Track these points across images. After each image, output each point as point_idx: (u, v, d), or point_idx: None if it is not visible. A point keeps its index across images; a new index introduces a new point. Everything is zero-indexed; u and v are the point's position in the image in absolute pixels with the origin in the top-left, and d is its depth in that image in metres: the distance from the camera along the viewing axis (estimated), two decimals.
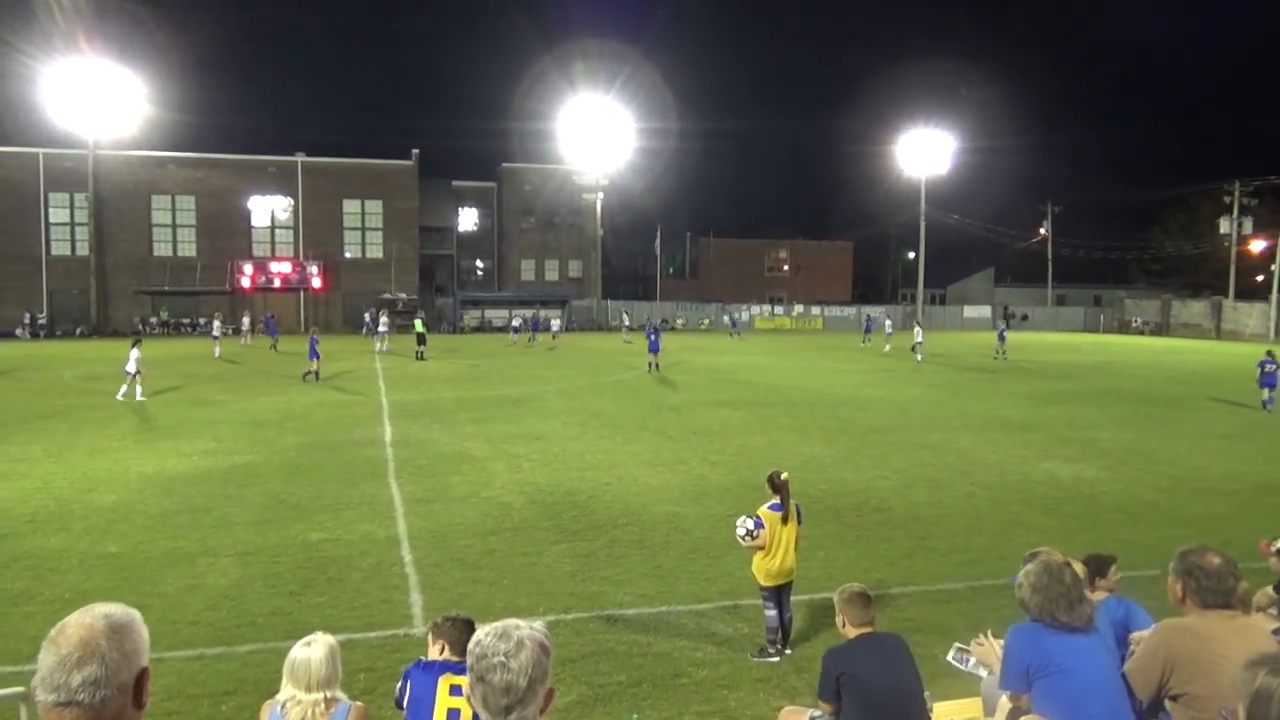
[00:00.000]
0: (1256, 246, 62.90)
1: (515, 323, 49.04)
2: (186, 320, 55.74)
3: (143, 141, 54.56)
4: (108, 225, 55.85)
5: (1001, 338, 38.65)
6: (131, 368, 21.38)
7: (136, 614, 1.80)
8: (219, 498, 11.66)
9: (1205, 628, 3.57)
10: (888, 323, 45.26)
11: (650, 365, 30.36)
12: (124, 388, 21.50)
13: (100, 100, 51.19)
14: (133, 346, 21.98)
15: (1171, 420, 19.56)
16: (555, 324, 43.25)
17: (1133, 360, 38.15)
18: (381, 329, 42.00)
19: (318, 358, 26.37)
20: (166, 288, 56.51)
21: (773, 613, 6.85)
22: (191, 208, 58.25)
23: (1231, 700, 1.69)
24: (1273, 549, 6.05)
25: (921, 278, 73.02)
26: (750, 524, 6.79)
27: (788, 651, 6.87)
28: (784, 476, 6.98)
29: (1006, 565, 7.34)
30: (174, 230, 58.21)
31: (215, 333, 37.45)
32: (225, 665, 6.58)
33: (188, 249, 58.30)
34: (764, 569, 6.84)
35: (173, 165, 57.61)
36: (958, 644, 4.76)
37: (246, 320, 46.98)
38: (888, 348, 38.07)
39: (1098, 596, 5.05)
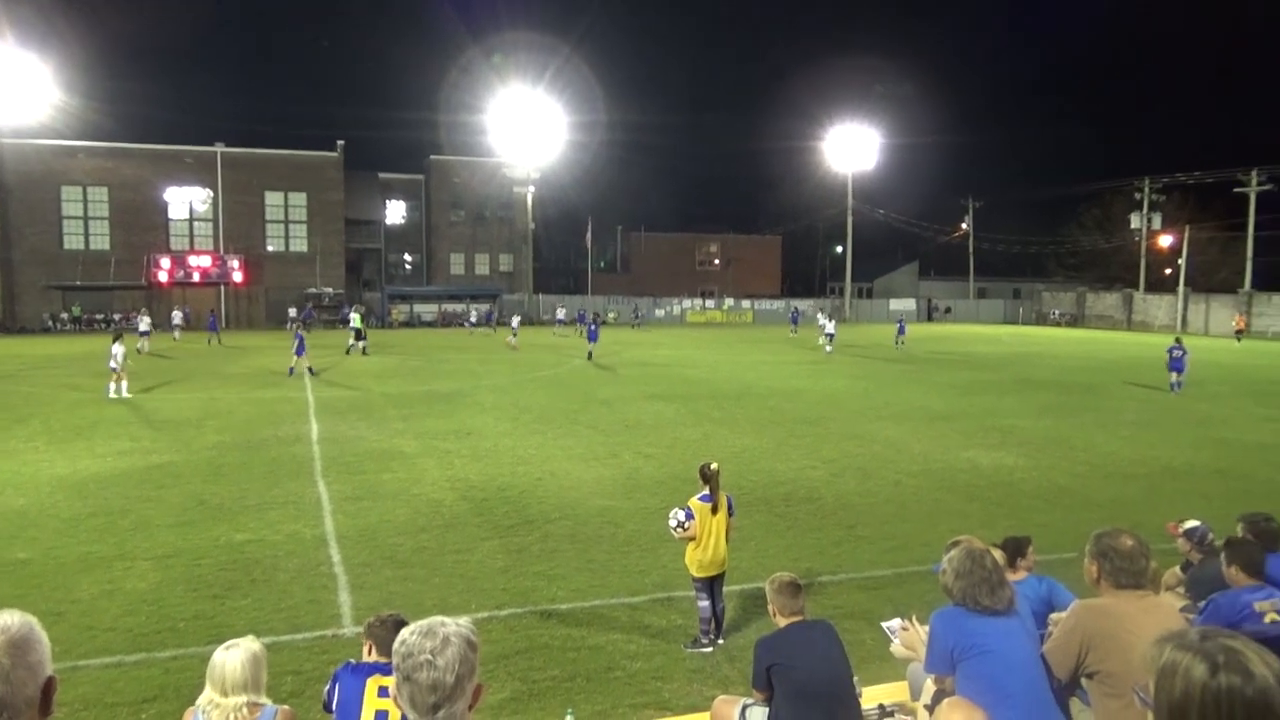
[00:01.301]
0: (1165, 241, 65.63)
1: (473, 317, 51.30)
2: (100, 316, 53.60)
3: (51, 130, 52.15)
4: (14, 217, 53.38)
5: (901, 330, 41.33)
6: (115, 364, 20.93)
7: (34, 621, 1.73)
8: (136, 499, 11.26)
9: (1119, 607, 3.72)
10: (829, 323, 39.23)
11: (588, 354, 32.35)
12: (112, 384, 21.01)
13: (5, 87, 48.85)
14: (114, 342, 21.51)
15: (1086, 408, 20.30)
16: (515, 321, 42.89)
17: (1050, 351, 39.47)
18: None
19: (304, 353, 26.55)
20: (78, 282, 54.29)
21: (705, 603, 6.92)
22: (104, 199, 55.98)
23: (1143, 676, 1.76)
24: (1180, 530, 6.34)
25: (849, 271, 74.36)
26: (681, 515, 6.87)
27: (720, 642, 6.93)
28: (714, 468, 7.06)
29: (931, 551, 7.53)
30: (86, 223, 55.92)
31: (143, 328, 36.80)
32: (145, 672, 6.37)
33: (101, 242, 56.06)
34: (695, 560, 6.92)
35: (83, 155, 55.24)
36: (901, 619, 4.85)
37: (178, 315, 45.78)
38: (829, 348, 37.56)
39: (1019, 576, 5.23)
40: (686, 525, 6.84)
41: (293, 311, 55.74)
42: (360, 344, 34.63)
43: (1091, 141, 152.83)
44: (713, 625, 6.95)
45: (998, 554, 5.09)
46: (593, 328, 34.40)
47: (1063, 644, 3.80)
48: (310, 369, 26.63)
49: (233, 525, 10.10)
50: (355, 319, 36.59)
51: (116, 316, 53.71)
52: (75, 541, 9.44)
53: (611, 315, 63.16)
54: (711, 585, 6.96)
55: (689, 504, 6.98)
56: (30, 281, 53.59)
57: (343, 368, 29.43)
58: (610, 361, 31.74)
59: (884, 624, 4.84)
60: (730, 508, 7.15)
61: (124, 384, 21.09)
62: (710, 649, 6.82)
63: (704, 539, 6.89)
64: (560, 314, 54.41)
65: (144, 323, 37.65)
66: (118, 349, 21.17)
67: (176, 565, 8.70)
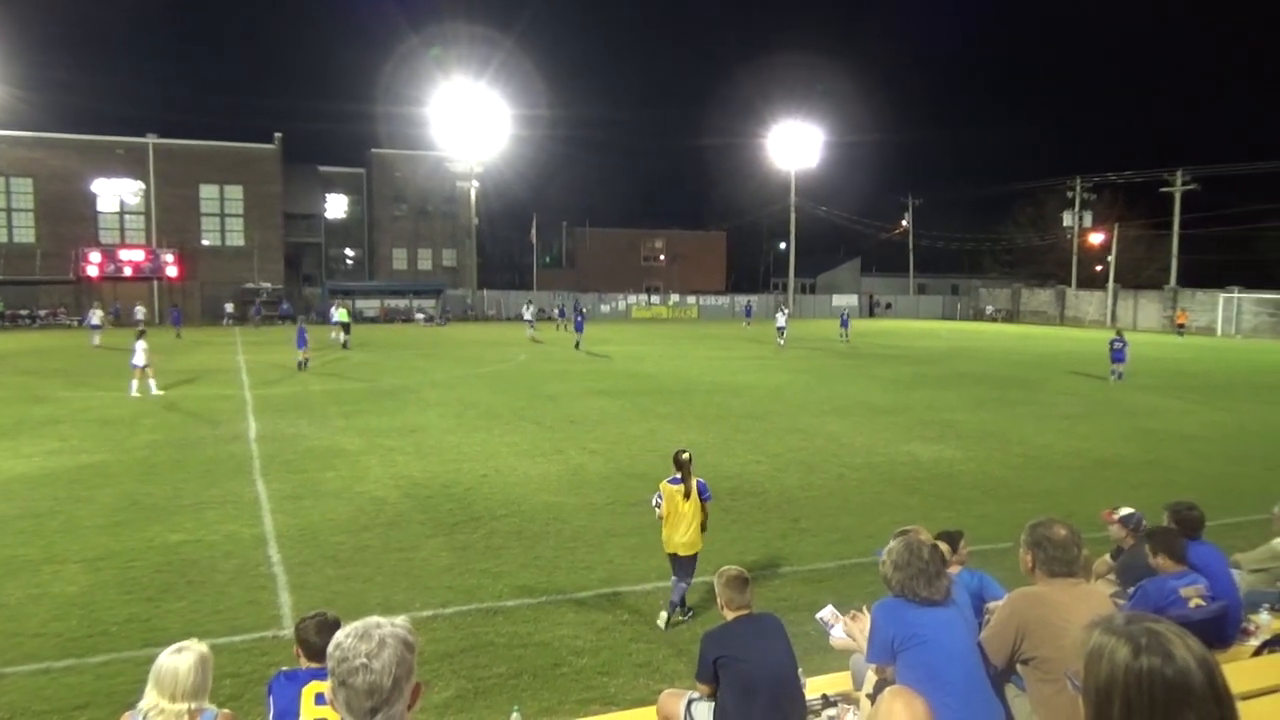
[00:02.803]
0: (1095, 239, 67.56)
1: (418, 314, 51.11)
2: (25, 312, 51.71)
3: None
4: None
5: (844, 324, 44.13)
6: (139, 360, 20.48)
7: None
8: (65, 500, 10.91)
9: (1052, 595, 3.83)
10: (782, 317, 41.05)
11: (576, 344, 35.24)
12: (135, 383, 20.51)
13: None
14: (138, 338, 21.19)
15: (1021, 402, 20.82)
16: (529, 312, 44.57)
17: (987, 345, 40.39)
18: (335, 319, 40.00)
19: (306, 345, 26.90)
20: (1, 277, 52.33)
21: (673, 579, 7.33)
22: (29, 190, 54.04)
23: (1075, 661, 1.82)
24: (1116, 517, 6.54)
25: (792, 267, 75.13)
26: (655, 497, 7.46)
27: (687, 616, 7.34)
28: (685, 455, 7.49)
29: (873, 543, 7.65)
30: (9, 215, 53.95)
31: (95, 322, 37.34)
32: (75, 678, 6.18)
33: (25, 234, 54.13)
34: (664, 537, 7.42)
35: (5, 144, 53.20)
36: (832, 607, 4.89)
37: (140, 310, 45.86)
38: (780, 341, 38.42)
39: (952, 570, 5.35)
40: (658, 505, 7.38)
41: (229, 307, 54.59)
42: (344, 337, 35.40)
43: (1027, 141, 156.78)
44: (679, 601, 7.31)
45: (945, 547, 5.24)
46: (579, 319, 37.55)
47: (999, 631, 3.90)
48: (303, 363, 26.85)
49: (167, 525, 9.85)
50: (342, 314, 36.97)
51: (42, 312, 51.96)
52: (0, 545, 9.12)
53: (556, 310, 62.92)
54: (678, 563, 7.31)
55: (660, 486, 7.47)
56: None
57: (282, 364, 28.82)
58: (556, 358, 31.64)
59: (817, 615, 4.90)
60: (703, 492, 7.46)
61: (151, 381, 20.76)
62: (663, 625, 7.17)
63: (671, 518, 7.33)
64: (528, 311, 46.69)
65: (96, 316, 37.83)
66: (141, 345, 20.83)
67: (108, 568, 8.45)
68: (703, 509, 7.41)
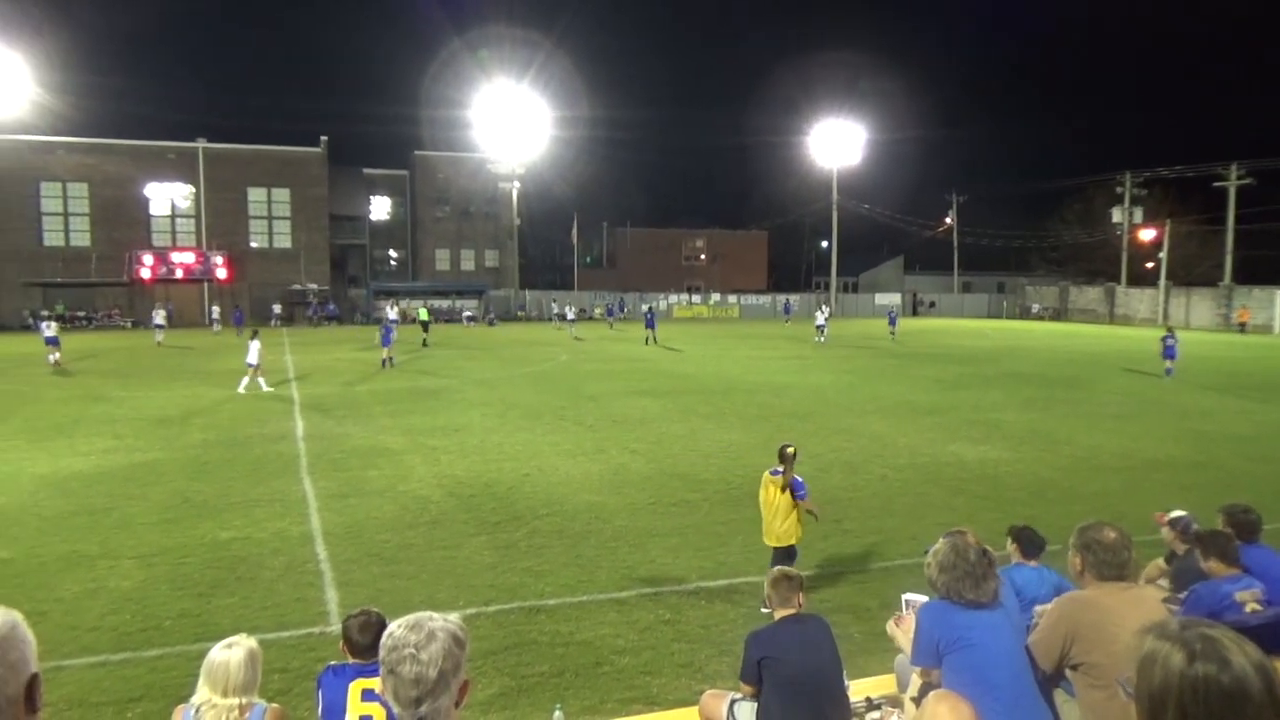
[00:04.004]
0: (1146, 235, 66.06)
1: (569, 314, 51.49)
2: (81, 313, 53.12)
3: (30, 126, 51.71)
4: None
5: (893, 322, 45.26)
6: (253, 359, 21.61)
7: (18, 618, 1.71)
8: (120, 497, 11.19)
9: (1103, 599, 3.75)
10: (821, 315, 42.38)
11: (648, 339, 38.59)
12: (245, 380, 21.58)
13: None
14: (252, 338, 22.47)
15: (1070, 401, 20.44)
16: (571, 312, 49.73)
17: (1034, 345, 39.71)
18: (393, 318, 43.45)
19: (391, 344, 28.24)
20: (59, 279, 53.80)
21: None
22: (85, 195, 55.53)
23: (1127, 668, 1.78)
24: (1166, 520, 6.39)
25: (835, 266, 74.52)
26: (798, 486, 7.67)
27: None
28: (791, 450, 7.67)
29: (917, 545, 7.58)
30: (66, 219, 55.44)
31: (159, 321, 40.25)
32: (130, 671, 6.33)
33: (81, 239, 55.62)
34: (763, 527, 7.74)
35: (63, 151, 54.73)
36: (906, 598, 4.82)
37: (216, 310, 49.30)
38: (820, 339, 39.72)
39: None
40: (801, 492, 7.61)
41: (276, 308, 55.62)
42: (424, 336, 38.24)
43: (1074, 136, 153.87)
44: None
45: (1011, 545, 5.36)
46: (649, 317, 41.85)
47: (1047, 636, 3.83)
48: (388, 360, 27.87)
49: (218, 523, 10.05)
50: (423, 313, 40.92)
51: (99, 313, 53.33)
52: (58, 540, 9.37)
53: (598, 311, 63.23)
54: (776, 555, 7.50)
55: (763, 475, 7.82)
56: (9, 279, 53.11)
57: (325, 366, 29.25)
58: (596, 357, 31.73)
59: (905, 596, 4.82)
60: (797, 489, 7.59)
61: (260, 379, 21.81)
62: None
63: (769, 509, 7.63)
64: (569, 312, 49.97)
65: (159, 316, 40.74)
66: (255, 345, 22.04)
67: (161, 563, 8.65)
68: (794, 505, 7.59)
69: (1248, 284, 57.26)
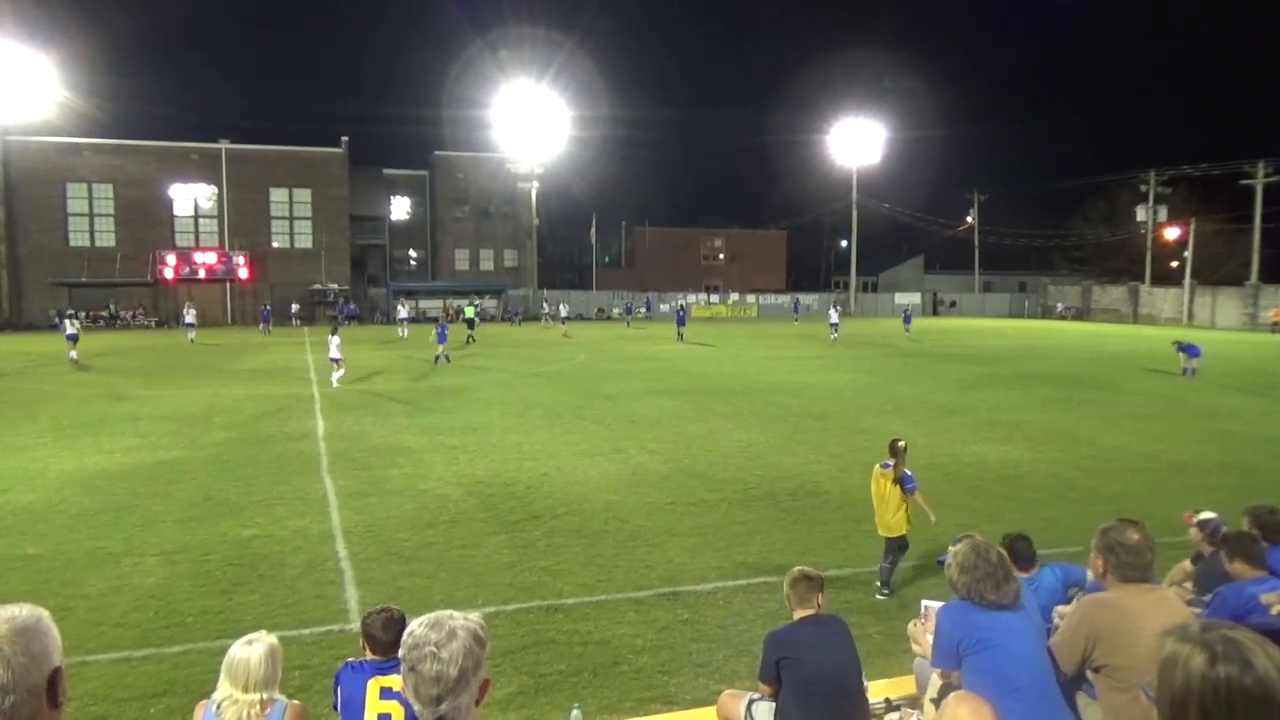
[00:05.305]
0: (1170, 234, 65.27)
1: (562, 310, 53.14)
2: (105, 313, 53.71)
3: (56, 127, 52.28)
4: (19, 214, 53.61)
5: (907, 320, 46.02)
6: (336, 354, 22.88)
7: (44, 614, 1.74)
8: (144, 495, 11.31)
9: (1125, 601, 3.71)
10: (834, 314, 43.25)
11: (679, 335, 40.55)
12: (336, 374, 22.84)
13: (9, 84, 48.95)
14: (332, 334, 23.94)
15: (1092, 402, 20.25)
16: (564, 309, 52.24)
17: (1055, 344, 39.37)
18: (402, 315, 45.91)
19: (445, 340, 29.11)
20: (84, 279, 54.44)
21: (884, 564, 7.88)
22: (110, 196, 56.14)
23: (1149, 670, 1.76)
24: (1195, 520, 6.31)
25: (854, 265, 74.25)
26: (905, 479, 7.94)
27: (886, 594, 7.77)
28: (901, 444, 7.96)
29: (937, 546, 7.54)
30: (91, 219, 56.07)
31: (189, 320, 41.49)
32: (154, 667, 6.40)
33: (106, 239, 56.23)
34: (876, 518, 8.03)
35: (88, 152, 55.38)
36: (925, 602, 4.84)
37: (190, 314, 48.22)
38: (834, 336, 40.26)
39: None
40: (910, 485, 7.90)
41: (296, 307, 56.04)
42: (470, 333, 38.98)
43: (1097, 134, 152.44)
44: (886, 579, 7.84)
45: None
46: (681, 314, 44.08)
47: (1069, 638, 3.80)
48: (442, 357, 28.66)
49: (240, 521, 10.15)
50: (469, 310, 41.43)
51: (122, 313, 53.90)
52: (83, 537, 9.49)
53: (616, 310, 63.29)
54: (889, 544, 7.85)
55: (875, 469, 8.11)
56: (36, 279, 53.80)
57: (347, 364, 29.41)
58: (614, 357, 31.76)
59: (924, 601, 4.82)
60: (906, 483, 7.86)
61: (336, 375, 22.76)
62: (882, 598, 7.70)
63: (881, 501, 7.90)
64: (563, 310, 52.14)
65: (190, 315, 41.99)
66: (335, 340, 23.22)
67: (184, 561, 8.74)
68: (904, 498, 7.81)
69: (1275, 283, 56.51)
